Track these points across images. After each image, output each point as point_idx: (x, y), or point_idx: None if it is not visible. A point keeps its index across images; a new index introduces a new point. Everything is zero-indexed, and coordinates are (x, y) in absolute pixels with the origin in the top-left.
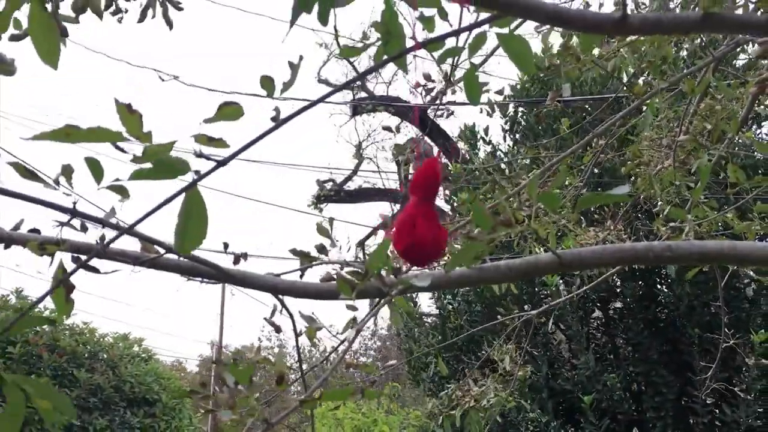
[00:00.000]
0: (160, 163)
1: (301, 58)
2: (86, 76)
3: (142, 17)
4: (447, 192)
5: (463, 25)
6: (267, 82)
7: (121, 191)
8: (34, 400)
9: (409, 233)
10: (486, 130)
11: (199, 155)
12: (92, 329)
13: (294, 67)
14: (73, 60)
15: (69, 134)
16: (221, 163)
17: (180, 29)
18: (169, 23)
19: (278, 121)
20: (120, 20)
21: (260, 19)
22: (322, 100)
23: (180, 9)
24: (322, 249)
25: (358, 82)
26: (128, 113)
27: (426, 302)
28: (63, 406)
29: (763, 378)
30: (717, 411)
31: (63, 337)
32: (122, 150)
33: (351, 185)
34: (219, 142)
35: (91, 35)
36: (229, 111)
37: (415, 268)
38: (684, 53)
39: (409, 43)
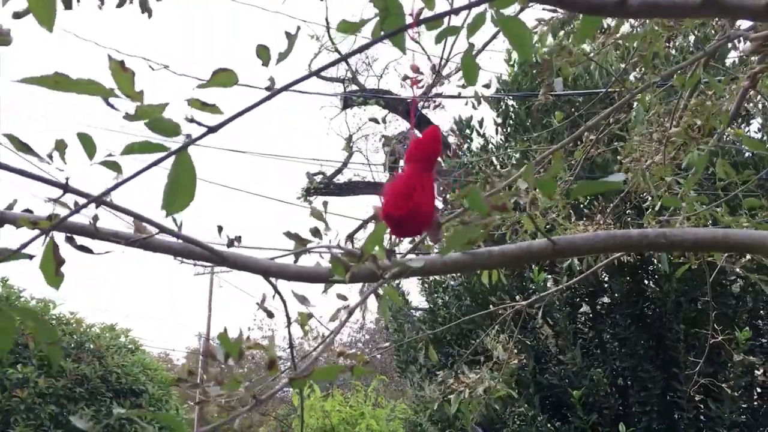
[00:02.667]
0: (154, 122)
1: (298, 28)
2: (77, 64)
3: (121, 2)
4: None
5: (464, 4)
6: (263, 52)
7: (115, 167)
8: (24, 326)
9: (406, 201)
10: (480, 123)
11: (191, 120)
12: (79, 319)
13: (291, 38)
14: (63, 48)
15: (58, 82)
16: (212, 129)
17: (170, 19)
18: (148, 10)
19: (272, 91)
20: (101, 6)
21: (250, 10)
22: (318, 72)
23: None
24: (316, 232)
25: (349, 75)
26: (121, 70)
27: (416, 296)
28: (45, 329)
29: (747, 374)
30: (702, 406)
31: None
32: (113, 107)
33: (341, 178)
34: (213, 108)
35: (83, 25)
36: (223, 78)
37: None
38: (675, 49)
39: (408, 21)
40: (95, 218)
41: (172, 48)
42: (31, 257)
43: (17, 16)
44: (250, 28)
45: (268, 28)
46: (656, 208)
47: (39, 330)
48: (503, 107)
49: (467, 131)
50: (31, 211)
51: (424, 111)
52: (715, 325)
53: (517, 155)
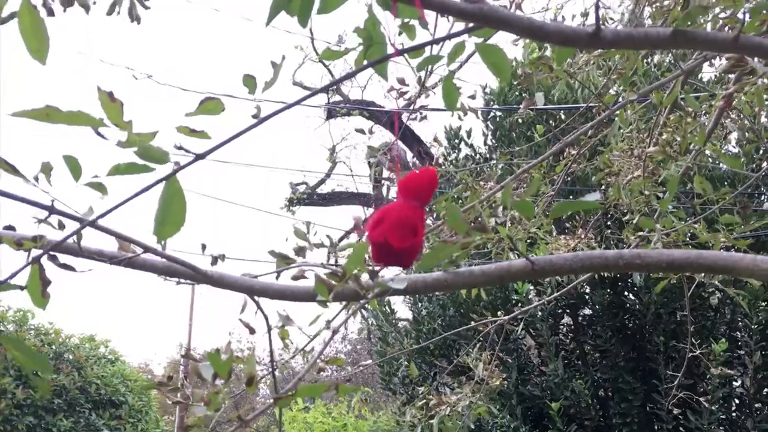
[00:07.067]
0: (143, 150)
1: (283, 57)
2: (68, 76)
3: (111, 10)
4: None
5: (442, 34)
6: (249, 81)
7: (100, 188)
8: (10, 351)
9: (410, 235)
10: (469, 133)
11: (179, 148)
12: (57, 330)
13: (276, 67)
14: (55, 61)
15: (49, 115)
16: (200, 156)
17: (154, 29)
18: (136, 18)
19: (259, 119)
20: (87, 11)
21: (235, 21)
22: (300, 102)
23: (146, 8)
24: (300, 251)
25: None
26: (110, 101)
27: (401, 307)
28: (37, 361)
29: (725, 386)
30: (681, 417)
31: (28, 337)
32: (102, 136)
33: (324, 188)
34: (201, 134)
35: (72, 36)
36: (210, 106)
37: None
38: (654, 66)
39: (389, 50)
40: (79, 237)
41: (155, 56)
42: (22, 288)
43: (1, 21)
44: (242, 35)
45: (251, 37)
46: (635, 222)
47: (30, 362)
48: (492, 117)
49: (456, 141)
50: (13, 228)
51: (408, 122)
52: (692, 338)
53: (501, 166)
